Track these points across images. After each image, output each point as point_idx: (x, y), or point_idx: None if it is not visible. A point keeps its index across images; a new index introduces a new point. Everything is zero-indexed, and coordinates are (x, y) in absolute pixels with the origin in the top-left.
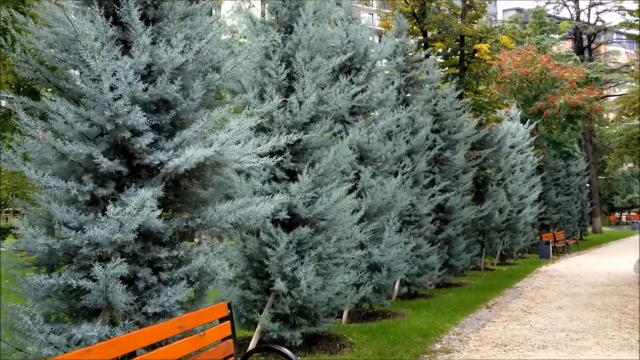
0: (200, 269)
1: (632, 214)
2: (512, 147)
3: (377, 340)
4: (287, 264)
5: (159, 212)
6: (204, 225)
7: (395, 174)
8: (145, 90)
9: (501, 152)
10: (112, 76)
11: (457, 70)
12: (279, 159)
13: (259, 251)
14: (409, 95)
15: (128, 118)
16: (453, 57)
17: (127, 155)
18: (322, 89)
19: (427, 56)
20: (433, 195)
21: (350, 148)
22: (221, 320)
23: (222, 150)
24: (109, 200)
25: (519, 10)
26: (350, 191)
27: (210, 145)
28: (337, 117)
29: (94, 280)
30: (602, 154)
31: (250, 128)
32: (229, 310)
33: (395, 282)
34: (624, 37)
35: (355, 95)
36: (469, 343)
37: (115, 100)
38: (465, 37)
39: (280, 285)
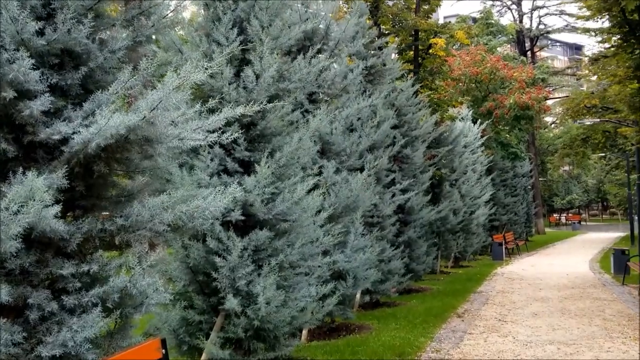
0: (122, 291)
1: (570, 215)
2: (465, 147)
3: None
4: (241, 277)
5: (57, 208)
6: (129, 227)
7: (361, 170)
8: (41, 33)
9: (455, 151)
10: None
11: (412, 66)
12: (228, 136)
13: (206, 261)
14: (369, 85)
15: (10, 70)
16: (407, 52)
17: (14, 128)
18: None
19: (386, 44)
20: (394, 195)
21: (312, 139)
22: None
23: (153, 118)
24: None
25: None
26: (313, 188)
27: (136, 111)
28: (294, 102)
29: None
30: (541, 156)
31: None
32: (164, 350)
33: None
34: (558, 44)
35: (322, 71)
36: None
37: None
38: (420, 32)
39: (232, 303)
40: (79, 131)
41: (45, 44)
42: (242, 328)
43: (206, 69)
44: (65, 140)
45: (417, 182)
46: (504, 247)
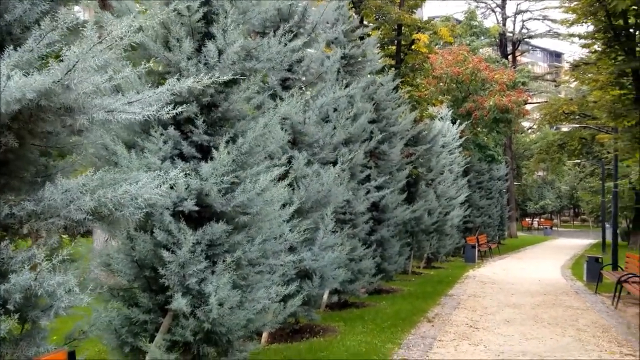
0: (27, 290)
1: (542, 220)
2: (443, 146)
3: None
4: (192, 274)
5: None
6: (40, 213)
7: (334, 164)
8: None
9: (433, 151)
10: None
11: (393, 61)
12: (169, 111)
13: (153, 255)
14: (348, 76)
15: None
16: (390, 47)
17: None
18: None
19: (367, 35)
20: (368, 192)
21: (282, 129)
22: None
23: (69, 81)
24: None
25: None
26: (280, 179)
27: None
28: (265, 87)
29: None
30: (517, 160)
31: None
32: None
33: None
34: (538, 50)
35: (294, 52)
36: None
37: None
38: (403, 27)
39: (180, 302)
40: None
41: None
42: (190, 330)
43: (140, 27)
44: None
45: (393, 179)
46: (476, 249)
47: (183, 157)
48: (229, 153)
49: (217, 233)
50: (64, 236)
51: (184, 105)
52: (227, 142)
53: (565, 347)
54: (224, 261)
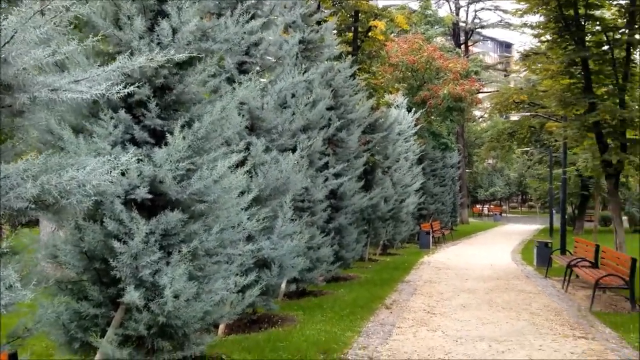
0: None
1: (492, 206)
2: (399, 134)
3: None
4: (146, 265)
5: None
6: None
7: (293, 150)
8: None
9: (389, 138)
10: None
11: (350, 48)
12: (120, 90)
13: (104, 246)
14: (306, 61)
15: None
16: (347, 33)
17: None
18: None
19: (325, 20)
20: (327, 179)
21: (240, 114)
22: None
23: (7, 53)
24: None
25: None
26: (238, 166)
27: None
28: (222, 70)
29: None
30: (468, 148)
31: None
32: None
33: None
34: (489, 40)
35: (251, 34)
36: None
37: None
38: (360, 14)
39: (133, 295)
40: None
41: None
42: (144, 324)
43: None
44: None
45: (351, 167)
46: (431, 235)
47: (135, 142)
48: (184, 138)
49: (172, 222)
50: (4, 227)
51: (137, 88)
52: (182, 126)
53: (520, 331)
54: (179, 251)
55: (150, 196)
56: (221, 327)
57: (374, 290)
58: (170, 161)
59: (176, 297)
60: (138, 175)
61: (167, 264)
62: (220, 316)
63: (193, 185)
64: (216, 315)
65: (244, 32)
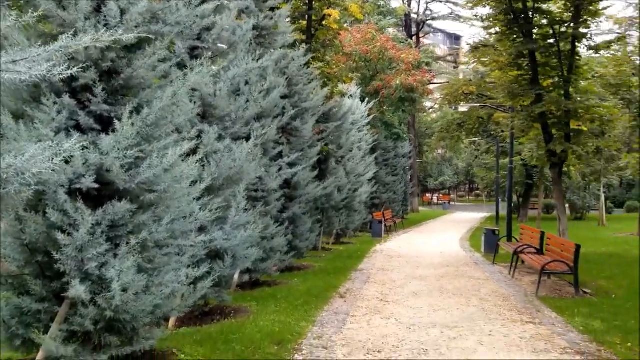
0: None
1: (441, 195)
2: (352, 124)
3: (219, 355)
4: (92, 258)
5: None
6: None
7: (247, 139)
8: None
9: (343, 128)
10: None
11: (304, 37)
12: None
13: (47, 238)
14: (260, 48)
15: None
16: (300, 21)
17: None
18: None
19: (278, 7)
20: (281, 169)
21: (192, 101)
22: None
23: None
24: None
25: None
26: (190, 154)
27: None
28: (174, 55)
29: None
30: (419, 138)
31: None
32: None
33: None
34: (440, 32)
35: (204, 17)
36: (335, 350)
37: None
38: (314, 1)
39: (78, 289)
40: None
41: None
42: (91, 319)
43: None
44: None
45: (305, 156)
46: (383, 224)
47: (80, 129)
48: (132, 125)
49: (120, 213)
50: None
51: (82, 71)
52: (131, 112)
53: (471, 317)
54: (127, 243)
55: (96, 185)
56: (172, 320)
57: (328, 279)
58: (118, 149)
59: (124, 290)
60: (83, 164)
61: (115, 256)
62: (171, 309)
63: (142, 174)
64: (167, 308)
65: (196, 16)
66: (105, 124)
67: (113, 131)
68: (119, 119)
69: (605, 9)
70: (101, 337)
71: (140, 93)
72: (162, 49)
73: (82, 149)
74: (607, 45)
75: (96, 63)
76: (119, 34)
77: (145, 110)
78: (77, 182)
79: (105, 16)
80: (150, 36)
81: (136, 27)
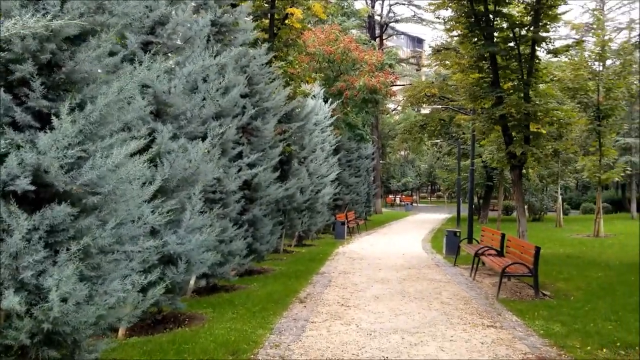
0: None
1: (404, 196)
2: (315, 125)
3: None
4: (28, 265)
5: None
6: None
7: (203, 138)
8: None
9: (306, 128)
10: None
11: (267, 36)
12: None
13: None
14: (218, 45)
15: None
16: (263, 20)
17: None
18: None
19: (239, 2)
20: (240, 169)
21: (144, 98)
22: None
23: None
24: None
25: None
26: (139, 153)
27: None
28: (121, 49)
29: None
30: (382, 140)
31: None
32: None
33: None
34: (402, 35)
35: (155, 9)
36: (293, 359)
37: None
38: (277, 0)
39: (12, 300)
40: None
41: None
42: (26, 332)
43: None
44: None
45: (266, 157)
46: (346, 226)
47: (16, 126)
48: (74, 122)
49: (60, 217)
50: None
51: (18, 64)
52: (73, 108)
53: (432, 322)
54: (68, 249)
55: (33, 187)
56: (122, 329)
57: (288, 283)
58: (57, 148)
59: (64, 300)
60: (19, 164)
61: (54, 263)
62: (117, 319)
63: (84, 175)
64: (112, 318)
65: (146, 7)
66: (45, 121)
67: (52, 129)
68: (58, 116)
69: (563, 13)
70: (39, 351)
71: (84, 88)
72: (107, 42)
73: (17, 148)
74: (566, 49)
75: (34, 55)
76: (55, 23)
77: (88, 106)
78: (11, 183)
79: (44, 4)
80: (95, 27)
81: (79, 16)
